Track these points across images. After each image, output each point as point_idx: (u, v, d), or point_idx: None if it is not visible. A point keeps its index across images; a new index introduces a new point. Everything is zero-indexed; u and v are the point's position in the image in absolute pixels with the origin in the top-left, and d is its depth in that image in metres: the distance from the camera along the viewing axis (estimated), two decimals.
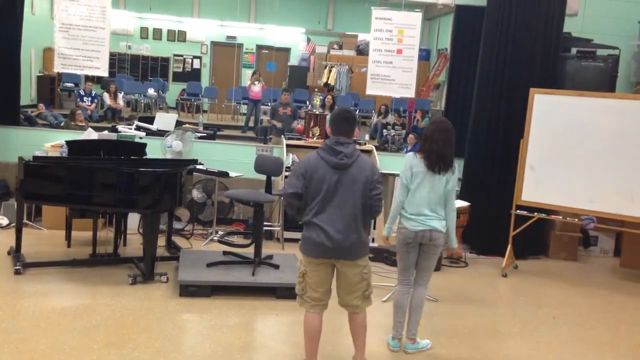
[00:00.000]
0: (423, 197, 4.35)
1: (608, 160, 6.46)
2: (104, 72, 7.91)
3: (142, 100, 14.43)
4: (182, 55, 16.32)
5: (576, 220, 7.05)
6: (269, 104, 13.15)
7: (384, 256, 6.72)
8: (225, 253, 6.07)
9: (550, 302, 6.03)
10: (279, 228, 7.34)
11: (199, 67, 16.39)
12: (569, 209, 6.75)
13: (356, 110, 13.91)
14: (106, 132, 7.92)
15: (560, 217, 7.09)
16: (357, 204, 3.77)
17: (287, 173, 7.30)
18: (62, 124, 10.17)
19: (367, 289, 3.92)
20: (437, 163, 4.32)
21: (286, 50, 16.22)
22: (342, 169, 3.74)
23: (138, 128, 8.23)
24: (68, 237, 6.52)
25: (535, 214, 6.94)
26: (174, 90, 15.61)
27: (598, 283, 6.83)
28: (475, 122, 7.58)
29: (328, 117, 3.37)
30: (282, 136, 8.11)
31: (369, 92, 8.34)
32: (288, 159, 7.54)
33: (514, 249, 7.01)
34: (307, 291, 3.86)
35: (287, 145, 7.66)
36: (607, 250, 8.03)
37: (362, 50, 14.55)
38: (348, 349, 4.47)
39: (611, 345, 5.06)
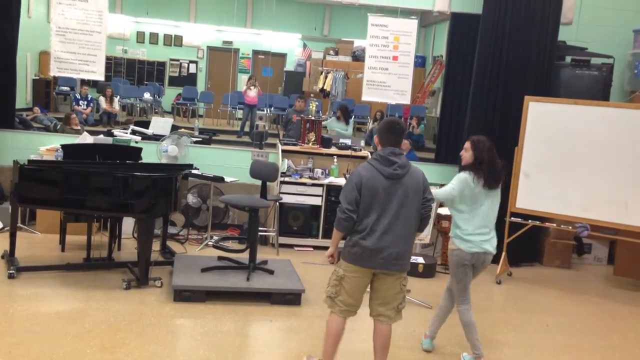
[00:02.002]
0: (482, 216, 4.42)
1: (602, 168, 6.49)
2: (100, 76, 7.89)
3: (138, 105, 14.43)
4: (178, 60, 16.34)
5: (570, 228, 7.08)
6: (265, 109, 13.23)
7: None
8: (220, 258, 6.07)
9: (543, 310, 6.05)
10: (273, 233, 7.34)
11: (195, 71, 16.41)
12: (563, 216, 6.78)
13: (351, 117, 13.93)
14: (102, 136, 7.91)
15: (555, 225, 7.12)
16: (412, 215, 3.79)
17: (282, 178, 7.32)
18: (57, 128, 10.15)
19: (402, 302, 3.94)
20: (491, 179, 4.40)
21: (282, 56, 16.26)
22: (396, 179, 3.74)
23: (134, 132, 8.22)
24: (62, 241, 6.51)
25: (530, 221, 6.96)
26: (170, 94, 15.62)
27: (591, 291, 6.85)
28: (470, 129, 7.58)
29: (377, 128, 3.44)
30: (278, 141, 8.12)
31: (364, 98, 8.35)
32: (283, 165, 7.56)
33: (508, 256, 7.02)
34: (341, 295, 3.84)
35: (283, 151, 7.67)
36: (601, 258, 8.06)
37: (358, 57, 14.59)
38: (344, 354, 4.48)
39: (604, 353, 5.08)
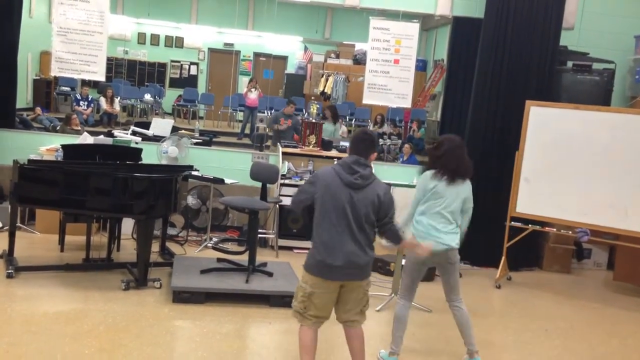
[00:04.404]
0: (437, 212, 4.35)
1: (602, 173, 6.48)
2: (101, 77, 7.90)
3: (139, 106, 14.44)
4: (179, 61, 16.35)
5: (570, 232, 7.08)
6: (265, 112, 13.25)
7: (378, 265, 6.71)
8: (219, 260, 6.06)
9: (543, 315, 6.04)
10: (273, 236, 7.34)
11: (195, 73, 16.42)
12: (563, 221, 6.77)
13: (352, 119, 13.95)
14: (102, 136, 7.91)
15: (554, 230, 7.11)
16: (370, 224, 3.73)
17: (282, 181, 7.31)
18: (57, 128, 10.15)
19: (365, 305, 3.91)
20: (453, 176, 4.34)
21: (283, 58, 16.27)
22: (355, 189, 3.68)
23: (134, 133, 8.22)
24: (61, 241, 6.50)
25: (530, 225, 6.95)
26: (171, 96, 15.62)
27: (591, 296, 6.84)
28: (471, 133, 7.60)
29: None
30: (279, 144, 8.12)
31: (365, 101, 8.36)
32: (284, 167, 7.55)
33: (507, 261, 7.02)
34: (311, 310, 3.78)
35: (283, 153, 7.66)
36: (601, 263, 8.05)
37: (359, 60, 14.60)
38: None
39: (603, 359, 5.07)
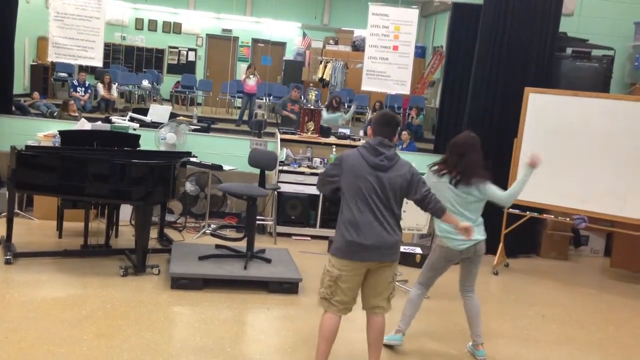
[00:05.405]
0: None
1: (601, 160, 6.49)
2: (98, 63, 7.86)
3: (136, 92, 14.38)
4: (177, 47, 16.26)
5: (568, 219, 7.09)
6: (264, 98, 13.20)
7: None
8: (217, 246, 6.07)
9: (540, 301, 6.06)
10: (271, 222, 7.34)
11: (194, 59, 16.34)
12: (560, 208, 6.79)
13: (350, 106, 13.91)
14: (100, 122, 7.88)
15: (552, 217, 7.12)
16: (394, 207, 3.75)
17: (280, 167, 7.30)
18: (55, 114, 10.11)
19: (393, 292, 3.92)
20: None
21: (282, 45, 16.20)
22: (381, 171, 3.70)
23: (132, 119, 8.19)
24: (59, 227, 6.49)
25: (527, 212, 6.97)
26: (169, 82, 15.56)
27: (588, 283, 6.87)
28: (470, 120, 7.58)
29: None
30: (277, 130, 8.10)
31: (364, 88, 8.33)
32: (282, 154, 7.54)
33: (505, 247, 7.04)
34: (337, 295, 3.76)
35: (282, 140, 7.65)
36: (598, 250, 8.08)
37: (358, 46, 14.55)
38: (343, 345, 4.49)
39: (600, 345, 5.10)
